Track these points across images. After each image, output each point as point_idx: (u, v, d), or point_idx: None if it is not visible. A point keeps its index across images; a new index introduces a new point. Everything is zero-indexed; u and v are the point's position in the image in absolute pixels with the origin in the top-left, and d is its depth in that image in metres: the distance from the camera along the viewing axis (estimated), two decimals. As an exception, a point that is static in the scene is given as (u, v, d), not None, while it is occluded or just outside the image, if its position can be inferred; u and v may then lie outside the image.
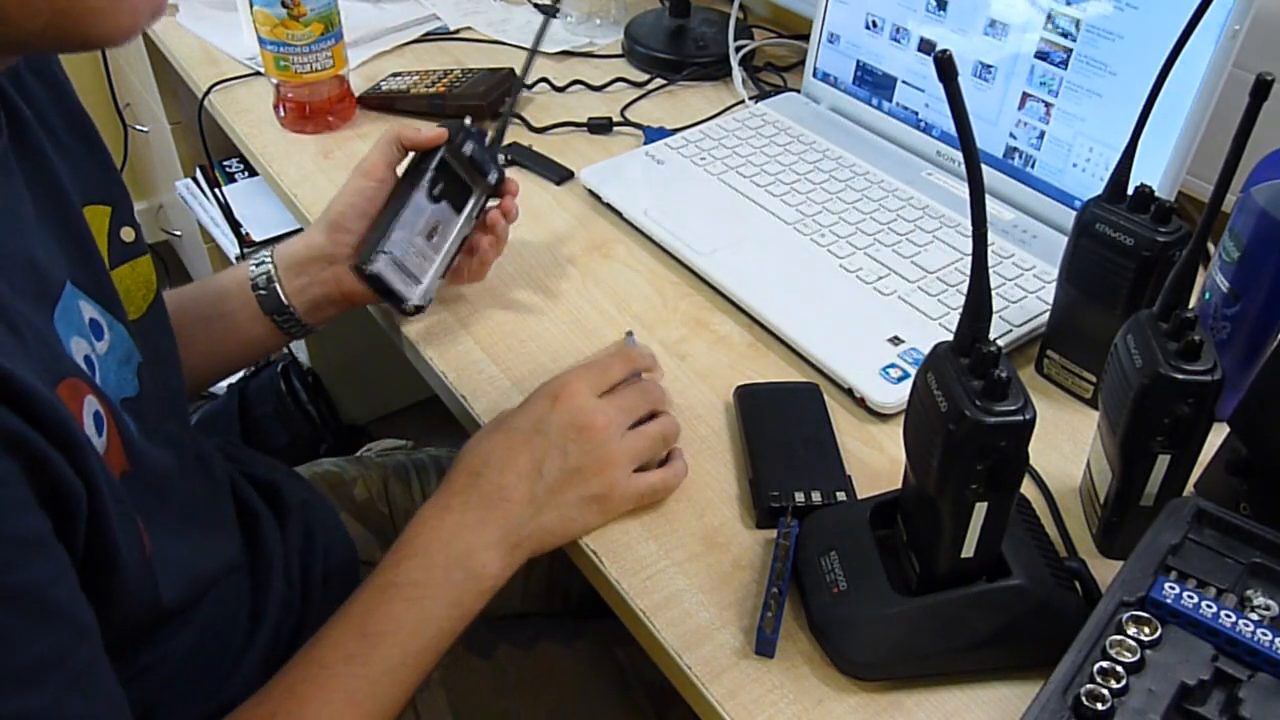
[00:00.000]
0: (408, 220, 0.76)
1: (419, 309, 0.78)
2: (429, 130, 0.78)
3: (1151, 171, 0.78)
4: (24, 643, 0.42)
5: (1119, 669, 0.48)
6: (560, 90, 1.14)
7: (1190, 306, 0.57)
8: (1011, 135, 0.89)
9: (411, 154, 0.79)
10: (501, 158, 0.99)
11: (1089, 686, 0.47)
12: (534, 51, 0.82)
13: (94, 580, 0.48)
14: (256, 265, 0.80)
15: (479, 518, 0.63)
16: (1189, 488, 0.63)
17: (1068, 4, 0.83)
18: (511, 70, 1.12)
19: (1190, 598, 0.50)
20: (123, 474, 0.52)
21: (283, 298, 0.80)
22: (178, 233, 1.96)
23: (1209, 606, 0.50)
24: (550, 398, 0.66)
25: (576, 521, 0.65)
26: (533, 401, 0.67)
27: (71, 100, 0.62)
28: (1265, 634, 0.49)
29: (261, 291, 0.80)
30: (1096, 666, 0.48)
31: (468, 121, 0.80)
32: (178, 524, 0.59)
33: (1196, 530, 0.55)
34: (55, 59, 0.63)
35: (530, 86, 1.14)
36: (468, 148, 0.79)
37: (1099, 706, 0.47)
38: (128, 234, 0.63)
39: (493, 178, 0.81)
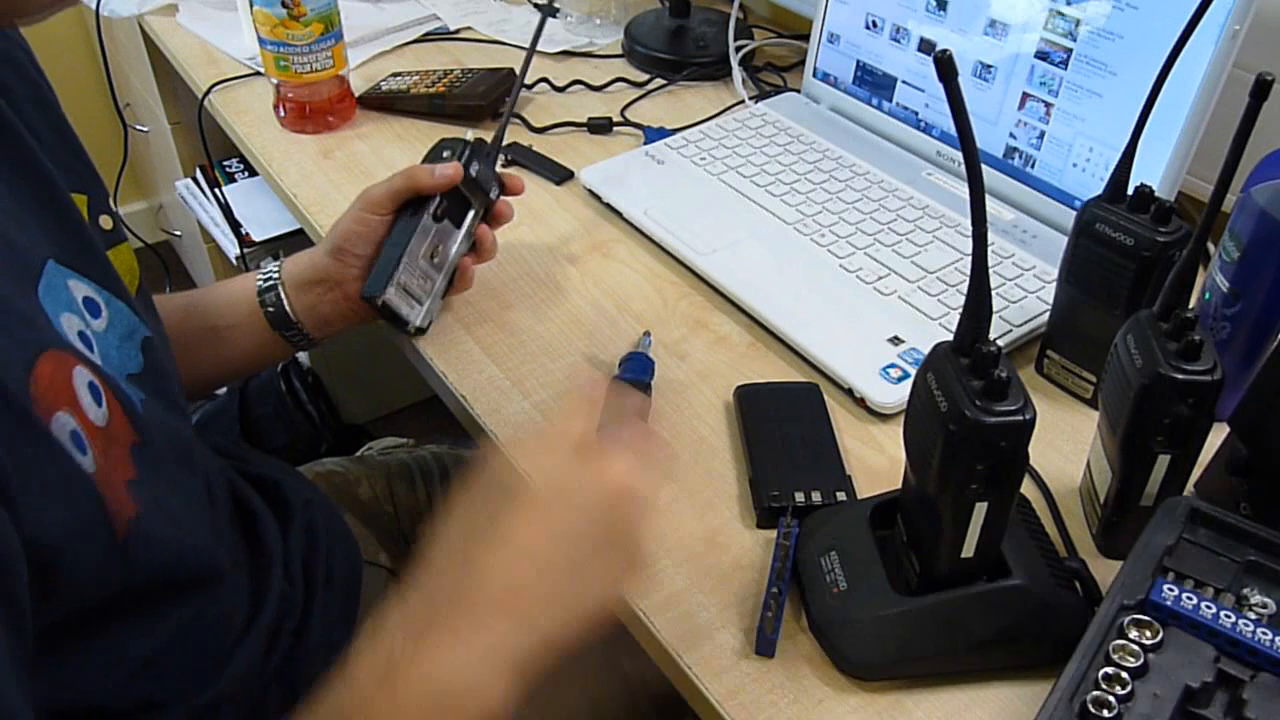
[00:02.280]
0: (414, 248, 0.77)
1: (420, 331, 0.79)
2: (443, 171, 0.77)
3: (1151, 171, 0.78)
4: None
5: (1124, 674, 0.48)
6: (560, 90, 1.14)
7: (1190, 306, 0.57)
8: (1011, 135, 0.89)
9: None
10: (501, 158, 1.00)
11: (1095, 693, 0.48)
12: (531, 51, 0.82)
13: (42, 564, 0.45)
14: (264, 280, 0.80)
15: (531, 607, 0.51)
16: (1189, 487, 0.63)
17: (1068, 4, 0.83)
18: (511, 70, 1.12)
19: (1189, 599, 0.51)
20: (132, 446, 0.52)
21: (291, 314, 0.80)
22: (178, 233, 1.96)
23: (1208, 607, 0.50)
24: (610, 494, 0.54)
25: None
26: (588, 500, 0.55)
27: (42, 89, 0.62)
28: (1265, 633, 0.49)
29: (270, 309, 0.80)
30: (1101, 673, 0.48)
31: (469, 136, 0.81)
32: (178, 498, 0.58)
33: (1191, 530, 0.55)
34: (26, 48, 0.63)
35: (530, 86, 1.14)
36: (474, 168, 0.79)
37: (1105, 713, 0.47)
38: (106, 222, 0.63)
39: (494, 194, 0.81)
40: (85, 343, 0.52)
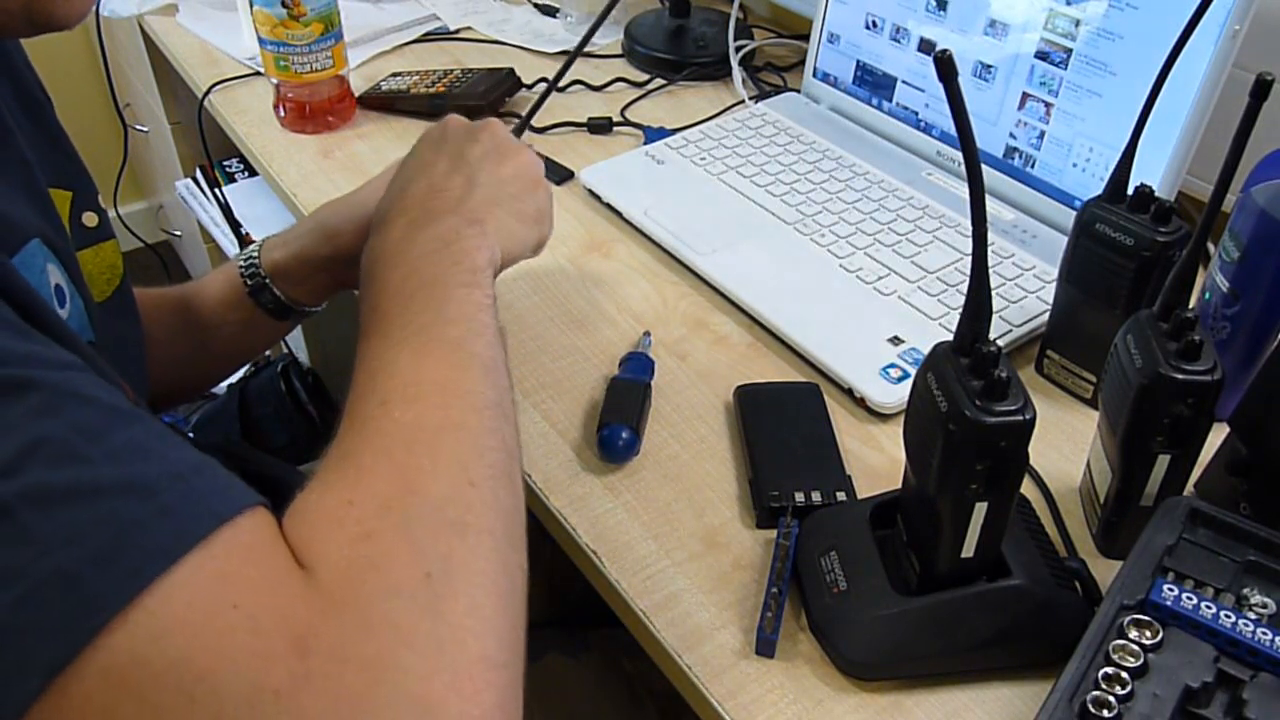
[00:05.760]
0: None
1: None
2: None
3: (1151, 171, 0.78)
4: None
5: (1123, 674, 0.48)
6: (560, 90, 1.14)
7: (1190, 306, 0.57)
8: (1011, 135, 0.89)
9: None
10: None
11: (1095, 693, 0.48)
12: (578, 49, 0.80)
13: None
14: (252, 281, 0.79)
15: (424, 212, 0.60)
16: (1189, 487, 0.63)
17: (1068, 4, 0.83)
18: (511, 70, 1.12)
19: (1189, 599, 0.51)
20: None
21: (287, 301, 0.80)
22: (178, 233, 1.97)
23: (1208, 607, 0.50)
24: (464, 127, 0.66)
25: (522, 230, 0.64)
26: (439, 138, 0.66)
27: (27, 85, 0.62)
28: (1265, 633, 0.49)
29: (268, 306, 0.80)
30: (1101, 673, 0.48)
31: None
32: None
33: (1191, 530, 0.55)
34: (10, 45, 0.63)
35: (530, 86, 1.14)
36: None
37: (1105, 713, 0.47)
38: (90, 219, 0.63)
39: None
40: None
